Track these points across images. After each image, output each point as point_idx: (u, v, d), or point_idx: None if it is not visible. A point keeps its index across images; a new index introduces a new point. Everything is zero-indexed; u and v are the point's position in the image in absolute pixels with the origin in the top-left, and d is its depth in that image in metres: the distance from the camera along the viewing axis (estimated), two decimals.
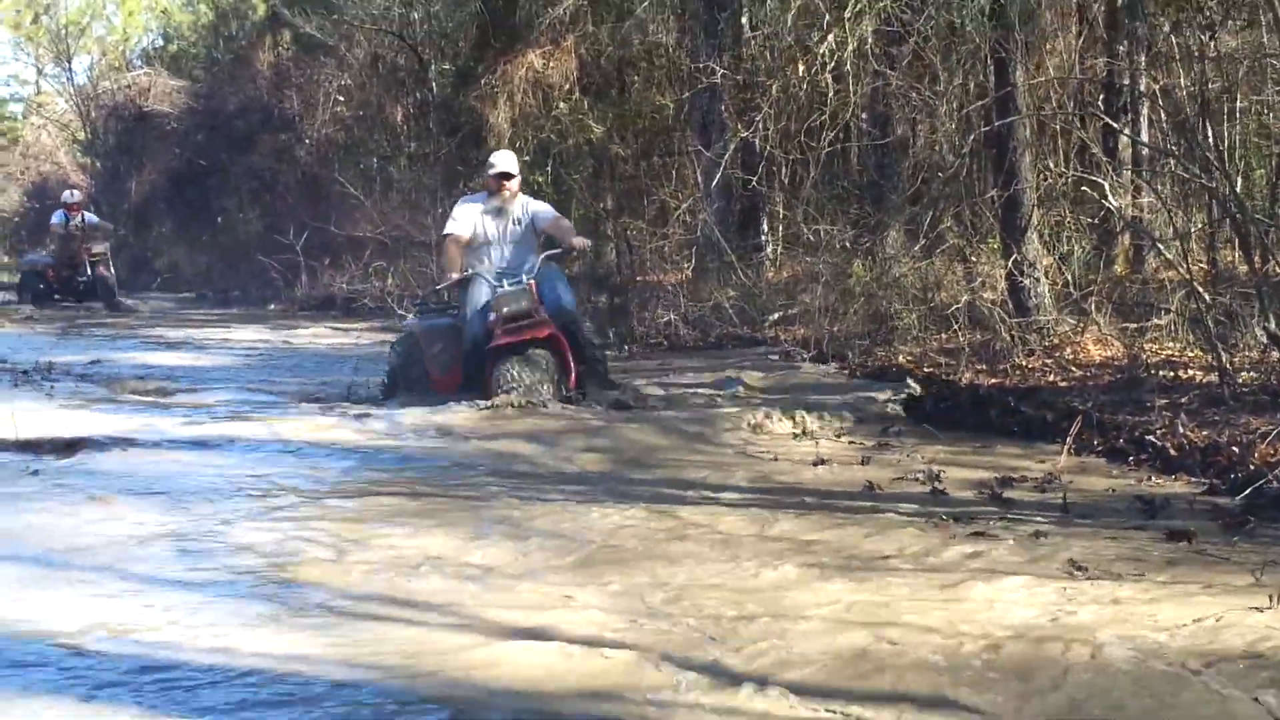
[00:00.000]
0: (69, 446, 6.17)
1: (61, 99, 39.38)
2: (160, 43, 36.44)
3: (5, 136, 45.93)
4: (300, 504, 5.18)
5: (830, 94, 9.93)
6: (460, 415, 7.15)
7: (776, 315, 11.48)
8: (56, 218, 18.85)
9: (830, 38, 9.38)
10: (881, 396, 7.73)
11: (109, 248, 19.42)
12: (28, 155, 37.41)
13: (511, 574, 4.15)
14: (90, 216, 19.08)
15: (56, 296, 18.74)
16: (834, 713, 2.95)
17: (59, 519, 4.85)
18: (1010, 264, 8.89)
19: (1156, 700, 3.01)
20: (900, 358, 9.09)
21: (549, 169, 17.66)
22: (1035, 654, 3.33)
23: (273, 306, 18.73)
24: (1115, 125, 10.23)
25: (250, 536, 4.60)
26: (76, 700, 3.04)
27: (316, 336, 14.11)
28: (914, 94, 10.19)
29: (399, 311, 13.78)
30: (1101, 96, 11.33)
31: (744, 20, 14.51)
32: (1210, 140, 7.88)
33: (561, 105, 17.09)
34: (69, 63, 36.09)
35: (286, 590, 3.96)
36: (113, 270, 19.48)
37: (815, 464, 6.07)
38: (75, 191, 19.02)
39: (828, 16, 9.73)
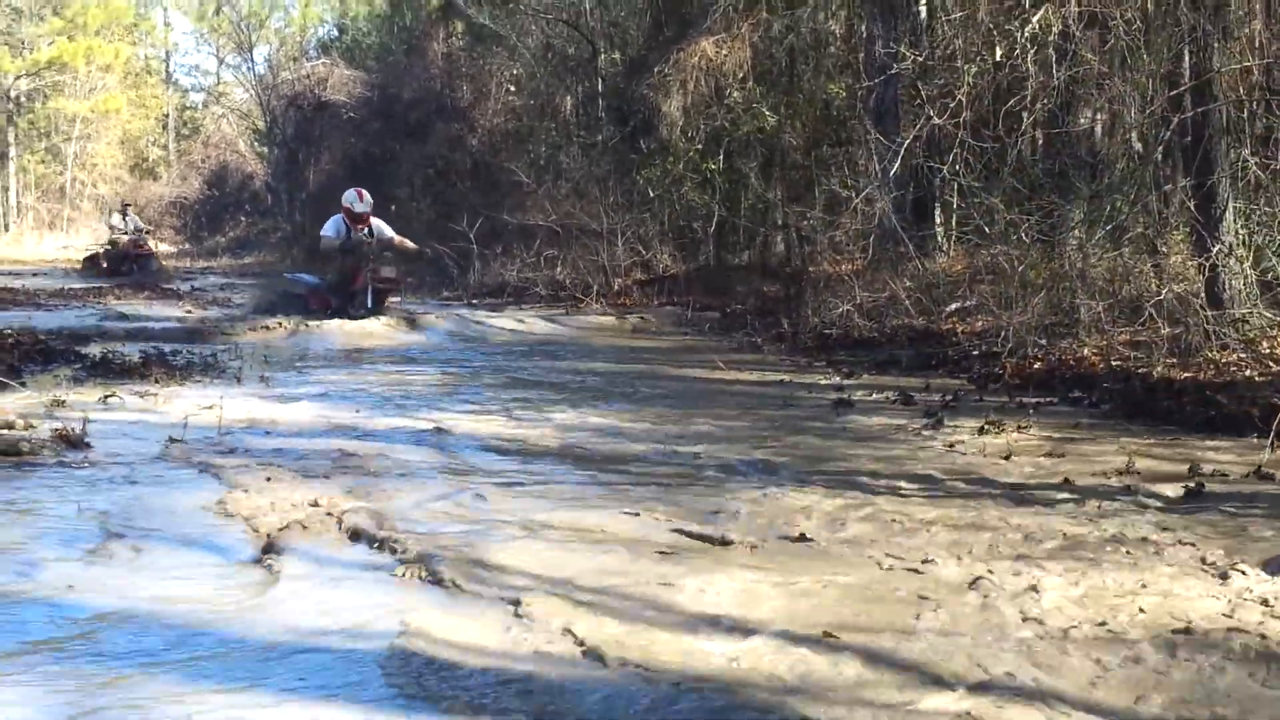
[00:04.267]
0: None
1: (241, 89, 40.56)
2: (336, 34, 37.29)
3: (187, 126, 47.43)
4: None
5: (1032, 78, 9.74)
6: None
7: (954, 306, 11.32)
8: (335, 228, 14.16)
9: (1034, 20, 9.19)
10: None
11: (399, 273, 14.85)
12: (209, 144, 38.58)
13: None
14: (381, 226, 14.21)
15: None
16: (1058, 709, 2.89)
17: None
18: (1208, 255, 8.62)
19: None
20: (1086, 350, 8.91)
21: (720, 158, 17.65)
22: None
23: (446, 294, 18.96)
24: None
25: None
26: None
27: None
28: (1108, 81, 9.93)
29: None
30: None
31: (921, 6, 14.34)
32: None
33: (734, 94, 17.06)
34: (250, 53, 37.10)
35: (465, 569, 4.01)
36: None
37: (1006, 457, 5.97)
38: (364, 196, 14.04)
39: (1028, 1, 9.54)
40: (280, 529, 4.47)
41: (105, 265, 24.30)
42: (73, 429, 6.03)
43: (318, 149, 28.17)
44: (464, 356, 10.99)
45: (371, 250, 13.77)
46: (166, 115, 47.45)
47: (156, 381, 8.25)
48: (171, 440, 6.11)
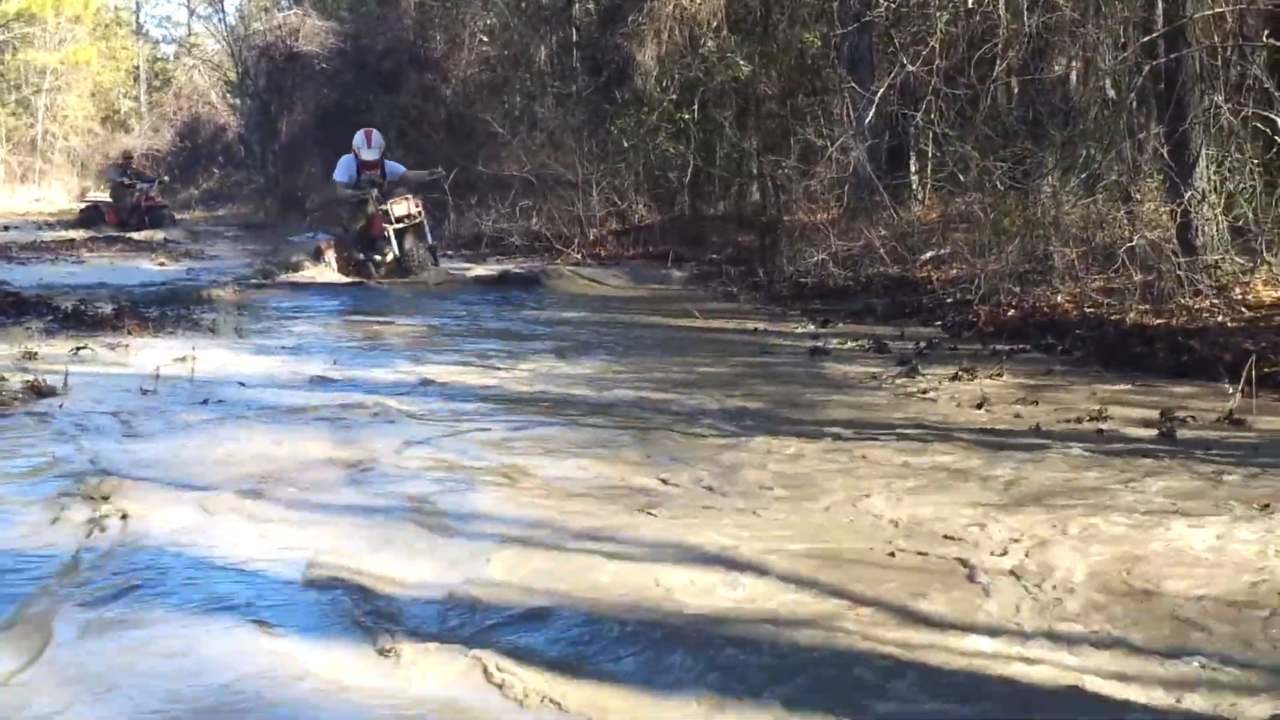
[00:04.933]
0: None
1: (212, 40, 40.12)
2: None
3: (159, 78, 46.97)
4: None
5: (1005, 25, 9.72)
6: None
7: (929, 255, 11.33)
8: (346, 172, 13.60)
9: None
10: None
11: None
12: (180, 96, 38.22)
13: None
14: (394, 166, 13.87)
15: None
16: (1027, 648, 2.92)
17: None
18: (1180, 202, 8.64)
19: None
20: (1059, 298, 8.93)
21: (695, 108, 17.59)
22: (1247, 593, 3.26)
23: None
24: None
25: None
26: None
27: None
28: (1080, 28, 9.90)
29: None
30: (1266, 32, 10.93)
31: None
32: None
33: (708, 43, 16.99)
34: (221, 3, 36.74)
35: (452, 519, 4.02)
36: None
37: (978, 405, 5.99)
38: (373, 137, 13.45)
39: None
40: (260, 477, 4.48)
41: (113, 217, 23.55)
42: (43, 380, 6.01)
43: (290, 100, 27.95)
44: (442, 306, 10.94)
45: (381, 191, 13.08)
46: (137, 67, 46.92)
47: (129, 333, 8.21)
48: (143, 391, 6.09)
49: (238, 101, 35.07)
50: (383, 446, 5.01)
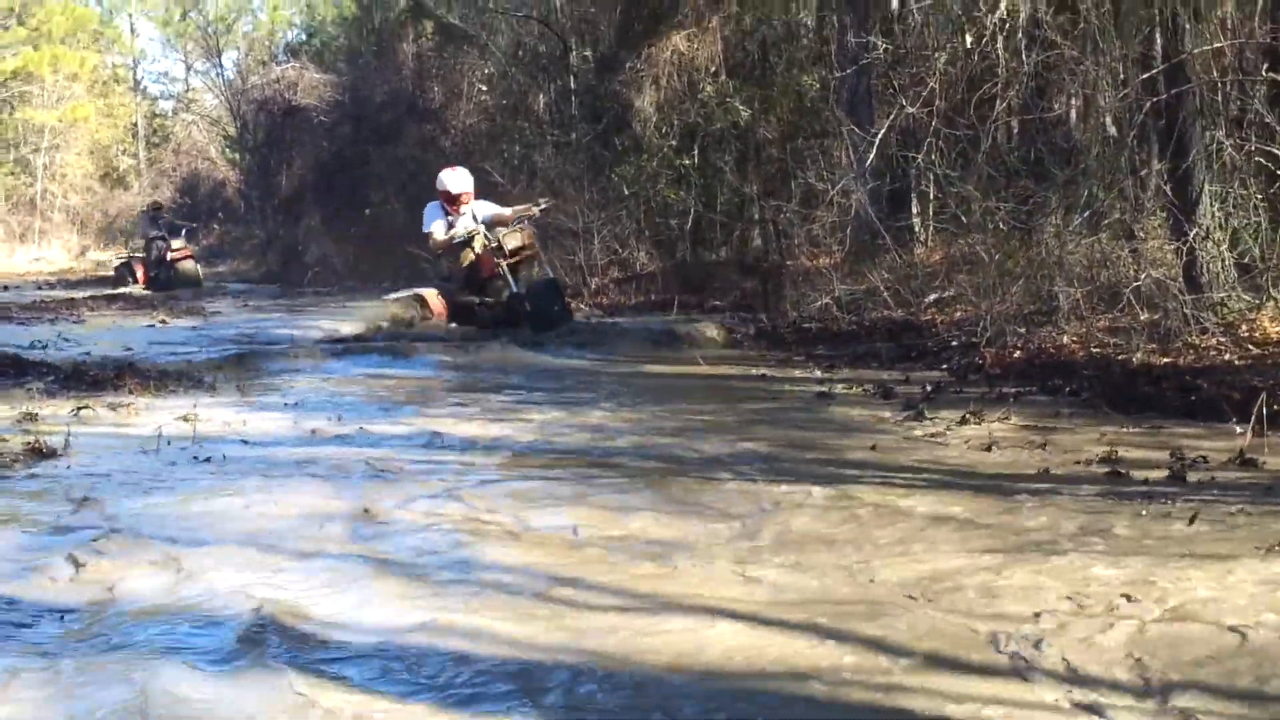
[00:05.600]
0: None
1: (210, 95, 40.35)
2: (304, 37, 37.15)
3: (157, 134, 47.18)
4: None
5: (1003, 65, 9.72)
6: None
7: (933, 297, 11.30)
8: (439, 219, 11.99)
9: (1003, 5, 9.17)
10: None
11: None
12: (179, 152, 38.40)
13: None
14: (484, 206, 12.19)
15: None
16: (1042, 693, 2.85)
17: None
18: (1185, 240, 8.61)
19: None
20: (1065, 338, 8.88)
21: (695, 153, 17.61)
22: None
23: None
24: None
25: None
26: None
27: None
28: (1080, 65, 9.90)
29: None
30: (1266, 65, 10.93)
31: None
32: None
33: (707, 88, 17.02)
34: (218, 58, 36.94)
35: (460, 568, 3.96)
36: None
37: (987, 448, 5.94)
38: (459, 171, 12.23)
39: None
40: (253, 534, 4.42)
41: (144, 274, 22.90)
42: (44, 442, 5.96)
43: (289, 154, 28.05)
44: (442, 359, 10.89)
45: (486, 230, 11.62)
46: (135, 123, 47.16)
47: (130, 392, 8.15)
48: (144, 451, 6.04)
49: (237, 156, 35.19)
50: (383, 501, 4.95)
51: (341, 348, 10.77)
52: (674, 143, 17.77)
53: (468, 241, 11.63)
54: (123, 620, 3.53)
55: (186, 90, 47.79)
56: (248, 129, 30.36)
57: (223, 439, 6.44)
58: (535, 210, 12.25)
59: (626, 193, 18.07)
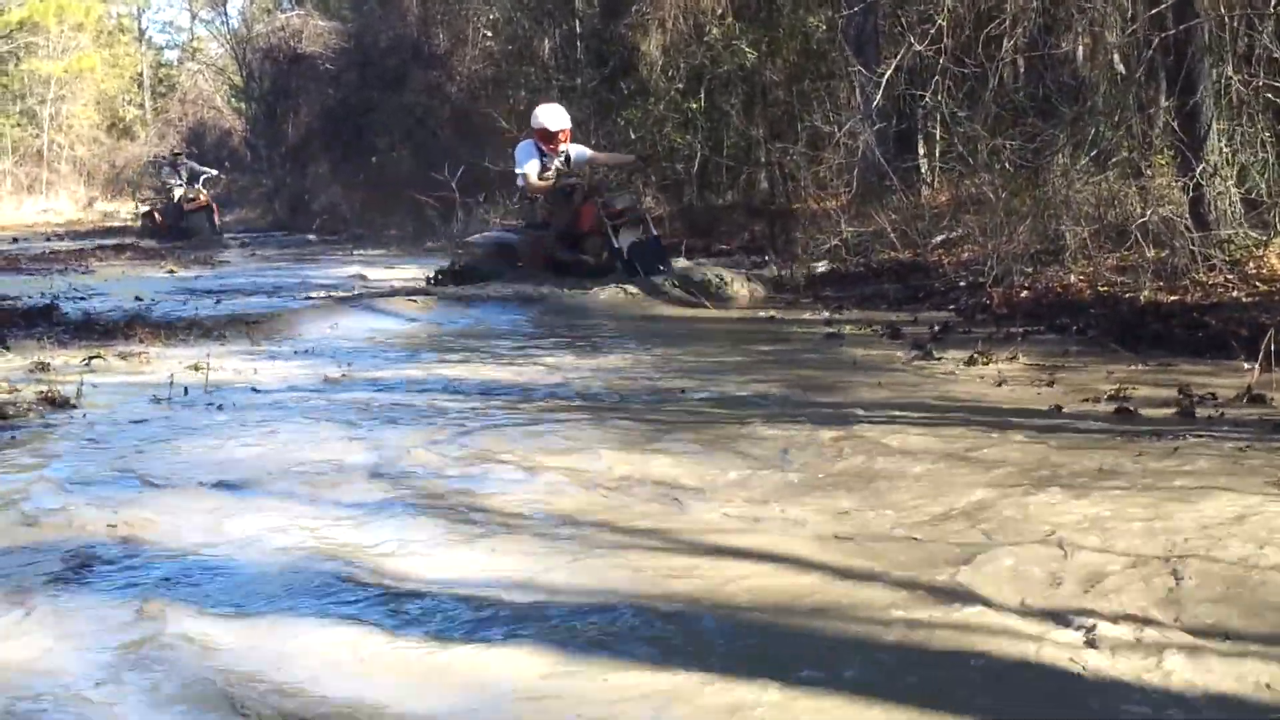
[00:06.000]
0: None
1: (216, 44, 40.21)
2: None
3: (163, 84, 47.05)
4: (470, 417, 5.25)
5: (1011, 2, 9.68)
6: None
7: (940, 238, 11.29)
8: (530, 159, 11.12)
9: None
10: None
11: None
12: (185, 101, 38.27)
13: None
14: (578, 149, 11.48)
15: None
16: (1065, 627, 2.88)
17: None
18: (1193, 177, 8.59)
19: None
20: (1073, 277, 8.88)
21: (701, 97, 17.54)
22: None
23: (430, 244, 18.87)
24: None
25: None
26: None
27: None
28: (1087, 2, 9.85)
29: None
30: (1274, 1, 10.86)
31: None
32: None
33: (713, 30, 16.93)
34: (223, 7, 36.75)
35: (478, 511, 3.99)
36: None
37: (997, 386, 5.97)
38: (558, 109, 11.54)
39: None
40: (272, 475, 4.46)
41: (163, 222, 22.50)
42: (57, 391, 6.00)
43: (295, 102, 27.95)
44: (453, 310, 10.90)
45: (586, 176, 11.09)
46: (141, 74, 47.06)
47: (141, 341, 8.19)
48: (157, 399, 6.07)
49: (243, 105, 35.09)
50: (396, 443, 4.99)
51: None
52: (680, 86, 17.71)
53: (567, 193, 10.96)
54: (142, 563, 3.57)
55: (192, 39, 47.67)
56: (253, 78, 30.24)
57: (234, 387, 6.48)
58: (628, 158, 12.06)
59: (633, 137, 18.02)
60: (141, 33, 49.19)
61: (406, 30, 25.14)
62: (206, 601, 3.24)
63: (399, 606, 3.18)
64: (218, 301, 10.81)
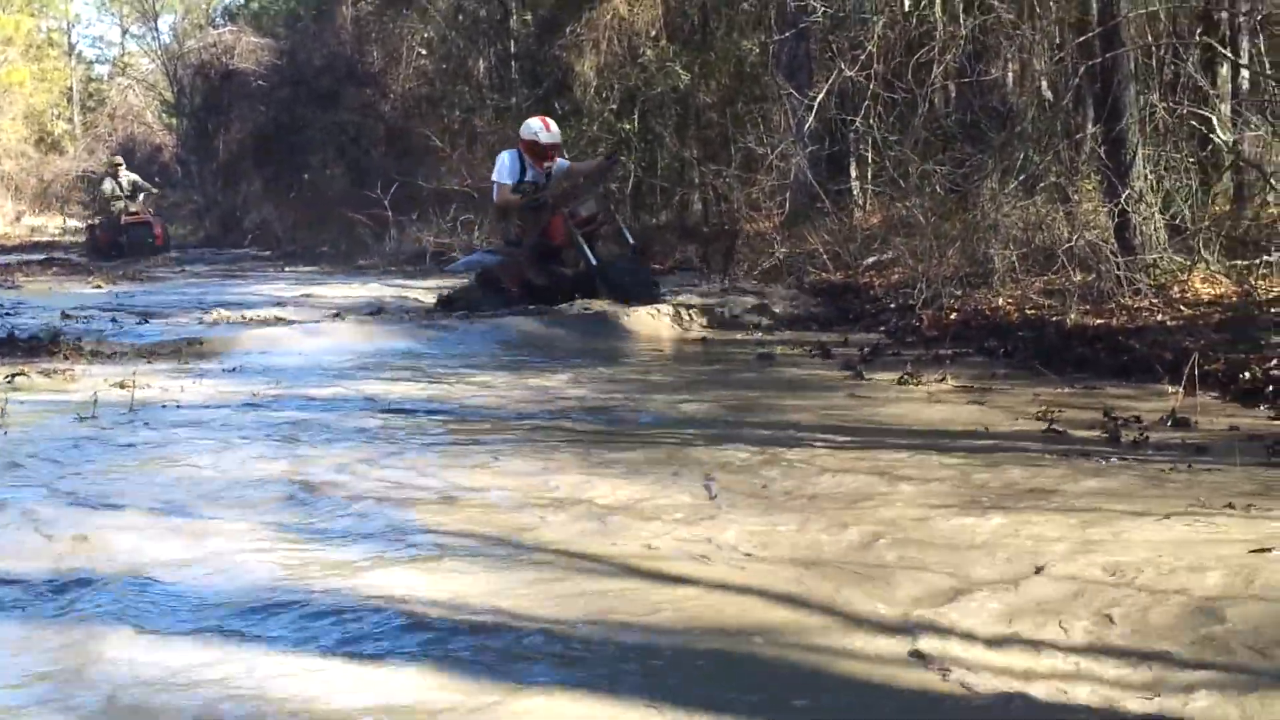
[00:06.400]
0: None
1: (147, 59, 39.84)
2: (242, 0, 36.65)
3: (93, 99, 46.54)
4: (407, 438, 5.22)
5: (941, 29, 9.78)
6: None
7: (871, 260, 11.37)
8: (510, 172, 10.62)
9: None
10: None
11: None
12: (115, 117, 37.82)
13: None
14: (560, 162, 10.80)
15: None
16: (993, 651, 2.90)
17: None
18: (1118, 202, 8.71)
19: None
20: (1000, 300, 8.97)
21: (635, 118, 17.59)
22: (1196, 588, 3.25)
23: (362, 262, 18.79)
24: (1224, 51, 9.97)
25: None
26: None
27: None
28: (1017, 30, 9.98)
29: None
30: (1199, 29, 11.05)
31: None
32: None
33: (648, 52, 17.00)
34: (154, 22, 36.42)
35: (416, 531, 3.97)
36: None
37: (925, 407, 6.02)
38: (551, 124, 10.87)
39: None
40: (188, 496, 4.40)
41: (105, 238, 21.26)
42: None
43: (227, 118, 27.74)
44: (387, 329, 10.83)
45: (556, 188, 10.36)
46: (71, 88, 46.53)
47: (65, 359, 8.09)
48: (80, 418, 5.99)
49: (174, 121, 34.77)
50: (324, 462, 4.95)
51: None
52: (614, 107, 17.75)
53: (538, 205, 10.30)
54: (56, 585, 3.52)
55: (122, 54, 47.17)
56: (185, 93, 30.01)
57: (161, 405, 6.41)
58: (604, 164, 11.37)
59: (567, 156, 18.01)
60: (71, 47, 48.64)
61: (340, 48, 25.03)
62: (135, 621, 3.20)
63: (316, 625, 3.15)
64: (142, 321, 10.64)
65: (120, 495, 4.49)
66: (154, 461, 5.07)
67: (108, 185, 21.76)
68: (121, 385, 6.83)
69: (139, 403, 6.38)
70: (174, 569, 3.63)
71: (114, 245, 20.80)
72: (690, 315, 9.77)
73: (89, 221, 23.49)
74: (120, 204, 21.23)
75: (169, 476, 4.80)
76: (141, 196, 21.67)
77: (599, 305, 9.88)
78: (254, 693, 2.76)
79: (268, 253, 22.72)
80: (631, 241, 10.93)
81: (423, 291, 12.90)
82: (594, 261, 10.12)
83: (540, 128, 10.57)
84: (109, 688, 2.79)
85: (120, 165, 22.70)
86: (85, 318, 10.71)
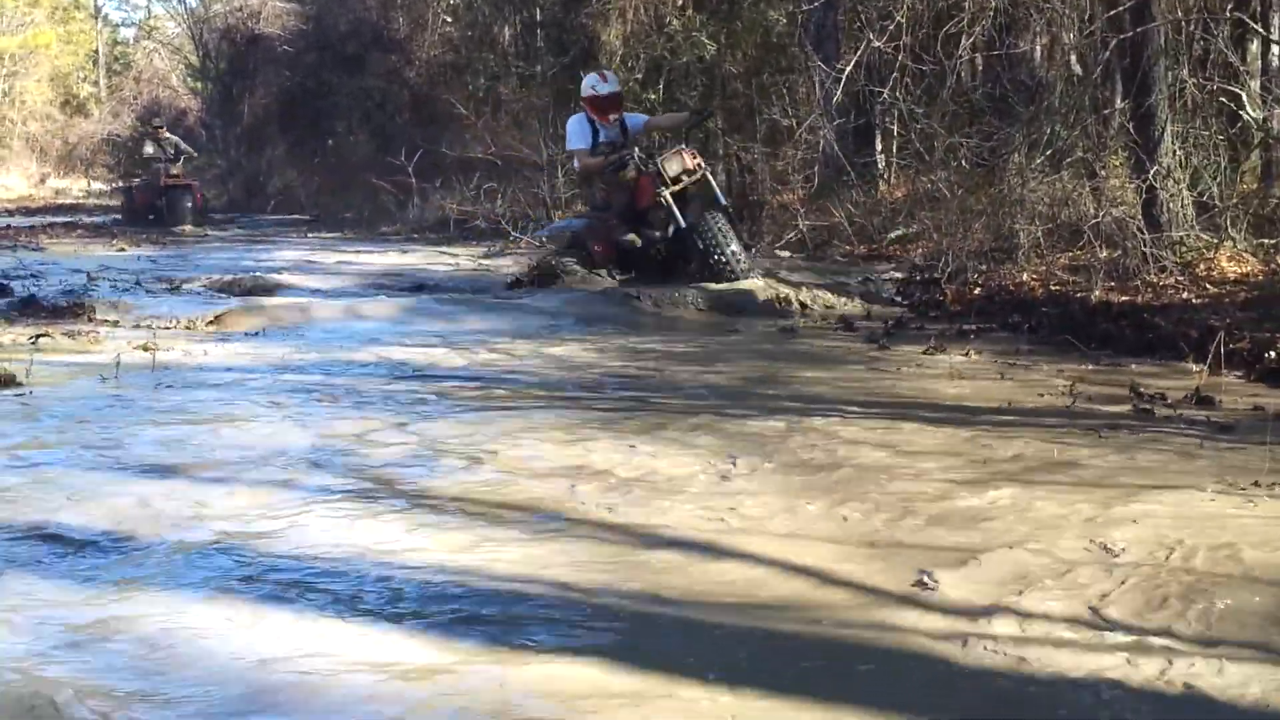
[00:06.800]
0: None
1: (173, 23, 39.83)
2: None
3: (118, 62, 46.60)
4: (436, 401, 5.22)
5: (969, 0, 9.73)
6: None
7: (896, 233, 11.33)
8: (583, 136, 10.05)
9: None
10: None
11: None
12: (140, 80, 37.86)
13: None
14: (633, 118, 10.50)
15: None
16: (1012, 624, 2.89)
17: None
18: (1146, 179, 8.66)
19: None
20: (1025, 275, 8.93)
21: (660, 88, 17.52)
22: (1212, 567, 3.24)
23: (385, 229, 18.80)
24: (1256, 26, 9.89)
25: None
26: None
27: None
28: (1047, 2, 9.92)
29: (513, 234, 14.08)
30: (1230, 4, 10.96)
31: None
32: None
33: (674, 22, 16.92)
34: None
35: (449, 502, 3.97)
36: None
37: (951, 380, 6.00)
38: (607, 75, 10.50)
39: None
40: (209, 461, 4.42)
41: (143, 199, 20.43)
42: (4, 369, 5.94)
43: (252, 83, 27.75)
44: (407, 290, 10.83)
45: (640, 147, 9.83)
46: (96, 51, 46.58)
47: (89, 320, 8.13)
48: (103, 379, 6.01)
49: (199, 85, 34.79)
50: (342, 428, 4.95)
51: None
52: (639, 77, 17.67)
53: (621, 165, 9.70)
54: (77, 544, 3.54)
55: (148, 17, 47.19)
56: (210, 57, 30.02)
57: (183, 368, 6.43)
58: (688, 119, 10.84)
59: None
60: (98, 10, 48.68)
61: (366, 13, 25.00)
62: (148, 583, 3.22)
63: (319, 587, 3.17)
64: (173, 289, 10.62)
65: (131, 456, 4.51)
66: (170, 425, 5.07)
67: (149, 147, 20.86)
68: (145, 348, 6.86)
69: (161, 365, 6.41)
70: (190, 529, 3.64)
71: (151, 208, 20.09)
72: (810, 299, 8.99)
73: (126, 184, 22.46)
74: (160, 166, 20.36)
75: (183, 437, 4.81)
76: (181, 160, 20.79)
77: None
78: (259, 658, 2.77)
79: (290, 217, 22.71)
80: (724, 202, 9.90)
81: (463, 259, 12.90)
82: (683, 224, 9.34)
83: (596, 80, 10.08)
84: (132, 645, 2.81)
85: (162, 128, 21.96)
86: (112, 282, 10.71)
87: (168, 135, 21.39)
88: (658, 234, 9.59)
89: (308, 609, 3.04)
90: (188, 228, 19.03)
